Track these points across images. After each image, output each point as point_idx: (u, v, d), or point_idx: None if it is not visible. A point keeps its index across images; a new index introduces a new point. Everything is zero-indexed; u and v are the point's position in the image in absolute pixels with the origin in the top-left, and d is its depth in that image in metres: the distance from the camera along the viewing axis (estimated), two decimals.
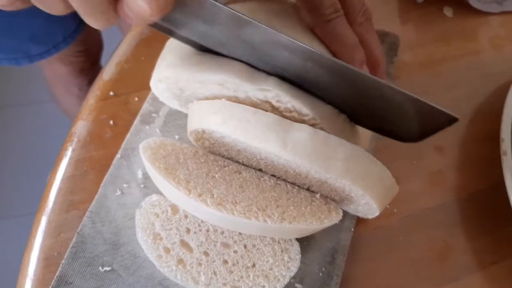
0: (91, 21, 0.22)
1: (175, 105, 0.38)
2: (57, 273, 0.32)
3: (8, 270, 0.59)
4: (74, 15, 0.23)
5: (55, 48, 0.57)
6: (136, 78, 0.41)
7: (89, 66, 0.71)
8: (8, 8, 0.22)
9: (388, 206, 0.39)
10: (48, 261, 0.34)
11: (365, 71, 0.30)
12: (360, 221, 0.37)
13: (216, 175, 0.32)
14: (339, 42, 0.30)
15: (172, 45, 0.33)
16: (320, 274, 0.34)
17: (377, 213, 0.32)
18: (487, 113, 0.45)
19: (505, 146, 0.39)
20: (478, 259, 0.39)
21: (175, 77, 0.32)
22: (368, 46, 0.31)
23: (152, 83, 0.34)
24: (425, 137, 0.30)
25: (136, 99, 0.41)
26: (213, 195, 0.30)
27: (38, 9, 0.23)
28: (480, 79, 0.47)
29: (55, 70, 0.71)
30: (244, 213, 0.30)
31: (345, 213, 0.35)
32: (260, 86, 0.29)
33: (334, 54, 0.31)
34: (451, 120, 0.27)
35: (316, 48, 0.31)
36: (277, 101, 0.30)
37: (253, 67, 0.30)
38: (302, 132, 0.28)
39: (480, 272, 0.38)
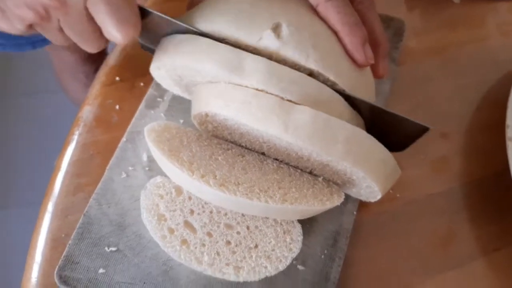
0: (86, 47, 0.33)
1: (177, 91, 0.38)
2: (64, 253, 0.33)
3: (17, 254, 0.61)
4: None
5: None
6: (141, 63, 0.41)
7: (96, 54, 0.71)
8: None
9: (391, 191, 0.39)
10: (56, 242, 0.35)
11: (367, 50, 0.30)
12: (363, 206, 0.37)
13: (219, 158, 0.33)
14: (340, 20, 0.30)
15: None
16: (322, 256, 0.34)
17: (379, 197, 0.32)
18: (493, 100, 0.45)
19: (510, 132, 0.38)
20: (481, 246, 0.39)
21: (171, 65, 0.32)
22: (369, 25, 0.31)
23: (152, 70, 0.34)
24: (405, 148, 0.33)
25: (142, 84, 0.41)
26: (216, 176, 0.31)
27: None
28: (487, 66, 0.46)
29: (62, 58, 0.71)
30: (246, 194, 0.30)
31: (348, 197, 0.36)
32: (248, 81, 0.29)
33: (336, 34, 0.31)
34: (424, 130, 0.30)
35: (319, 28, 0.31)
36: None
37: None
38: (303, 114, 0.28)
39: (483, 259, 0.38)
